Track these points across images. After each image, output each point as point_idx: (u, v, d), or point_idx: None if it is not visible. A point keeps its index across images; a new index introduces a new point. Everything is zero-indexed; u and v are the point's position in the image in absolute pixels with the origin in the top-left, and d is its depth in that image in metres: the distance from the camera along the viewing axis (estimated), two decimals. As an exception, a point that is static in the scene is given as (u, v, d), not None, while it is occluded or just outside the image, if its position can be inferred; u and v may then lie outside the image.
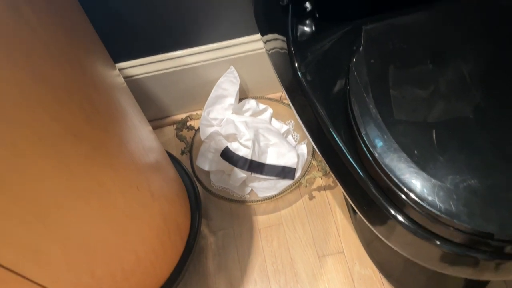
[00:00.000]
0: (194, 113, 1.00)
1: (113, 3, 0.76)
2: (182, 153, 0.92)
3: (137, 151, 0.54)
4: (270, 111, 0.96)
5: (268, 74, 0.90)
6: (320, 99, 0.57)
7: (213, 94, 0.94)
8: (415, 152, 0.48)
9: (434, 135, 0.49)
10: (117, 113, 0.49)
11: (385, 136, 0.49)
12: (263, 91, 1.02)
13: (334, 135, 0.55)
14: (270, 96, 1.01)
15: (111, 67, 0.55)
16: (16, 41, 0.30)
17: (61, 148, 0.37)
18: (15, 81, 0.30)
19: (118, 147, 0.47)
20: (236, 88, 0.93)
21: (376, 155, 0.48)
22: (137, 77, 0.90)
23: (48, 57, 0.34)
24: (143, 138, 0.59)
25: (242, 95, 1.00)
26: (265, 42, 0.77)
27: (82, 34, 0.46)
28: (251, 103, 0.95)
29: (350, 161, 0.54)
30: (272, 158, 0.88)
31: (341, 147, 0.55)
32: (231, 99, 0.94)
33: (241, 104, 0.96)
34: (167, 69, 0.89)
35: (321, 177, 0.92)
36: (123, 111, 0.52)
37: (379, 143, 0.49)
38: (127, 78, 0.89)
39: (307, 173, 0.87)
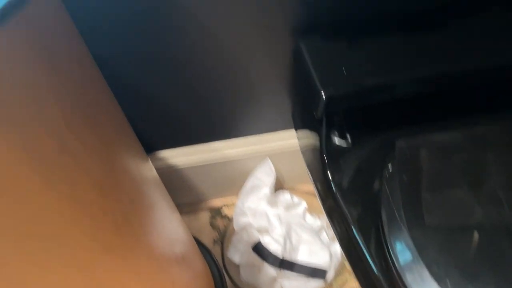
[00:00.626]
0: (229, 201, 1.01)
1: (145, 95, 0.78)
2: (214, 242, 0.92)
3: (165, 252, 0.55)
4: (304, 205, 0.96)
5: (304, 168, 0.90)
6: (352, 211, 0.57)
7: (248, 184, 0.96)
8: (447, 282, 0.45)
9: (467, 265, 0.47)
10: (148, 217, 0.51)
11: (416, 262, 0.47)
12: (298, 182, 1.02)
13: (364, 249, 0.54)
14: (305, 187, 1.01)
15: (145, 162, 0.56)
16: (59, 170, 0.33)
17: (91, 261, 0.38)
18: (53, 206, 0.33)
19: (147, 253, 0.48)
20: (271, 179, 0.94)
21: (406, 282, 0.46)
22: (171, 168, 0.92)
23: (88, 179, 0.37)
24: (172, 234, 0.59)
25: (277, 185, 1.01)
26: (299, 140, 0.79)
27: (118, 137, 0.47)
28: (285, 196, 0.96)
29: (379, 279, 0.52)
30: (303, 255, 0.86)
31: (370, 263, 0.53)
32: (266, 189, 0.94)
33: (275, 196, 0.96)
34: (203, 161, 0.92)
35: (354, 280, 0.88)
36: (154, 210, 0.53)
37: (409, 269, 0.47)
38: (160, 168, 0.90)
39: (339, 274, 0.84)
